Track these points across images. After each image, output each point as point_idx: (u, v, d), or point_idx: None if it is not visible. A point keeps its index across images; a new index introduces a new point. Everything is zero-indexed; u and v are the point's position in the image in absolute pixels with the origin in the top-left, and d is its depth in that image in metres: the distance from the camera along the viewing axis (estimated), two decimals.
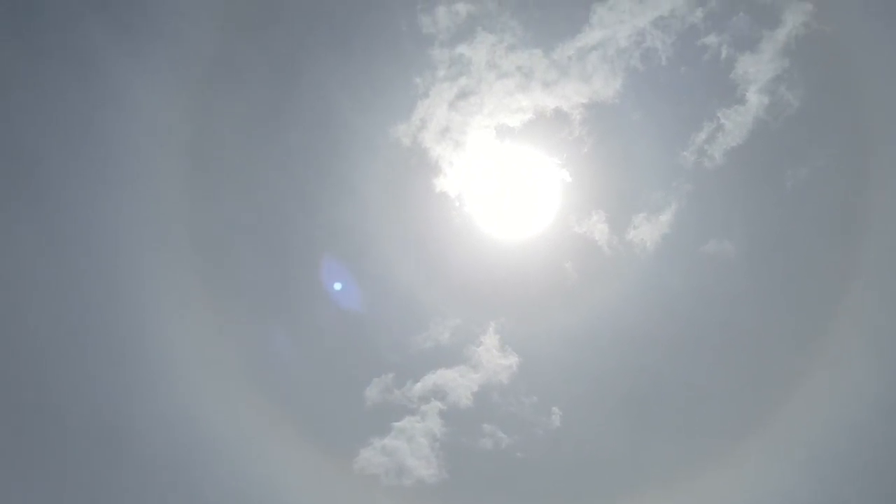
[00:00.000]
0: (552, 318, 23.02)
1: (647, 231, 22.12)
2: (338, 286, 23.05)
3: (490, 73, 22.57)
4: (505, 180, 23.51)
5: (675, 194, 21.99)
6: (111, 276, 22.25)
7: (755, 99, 21.17)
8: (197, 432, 21.19)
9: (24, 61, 21.95)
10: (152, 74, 22.28)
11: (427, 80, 22.62)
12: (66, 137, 22.57)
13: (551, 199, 23.15)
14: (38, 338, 21.39)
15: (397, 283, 23.56)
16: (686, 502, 20.83)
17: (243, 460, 21.30)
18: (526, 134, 22.78)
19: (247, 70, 22.61)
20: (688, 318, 22.48)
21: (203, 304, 22.95)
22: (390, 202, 23.51)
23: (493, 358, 22.39)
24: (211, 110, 22.64)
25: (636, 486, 21.12)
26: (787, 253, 22.53)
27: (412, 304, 23.40)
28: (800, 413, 20.96)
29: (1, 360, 20.87)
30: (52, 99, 22.40)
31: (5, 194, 21.68)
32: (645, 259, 22.47)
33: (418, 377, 22.19)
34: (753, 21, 20.83)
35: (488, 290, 23.67)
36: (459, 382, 22.28)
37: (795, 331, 22.11)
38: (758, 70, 21.01)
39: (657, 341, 22.46)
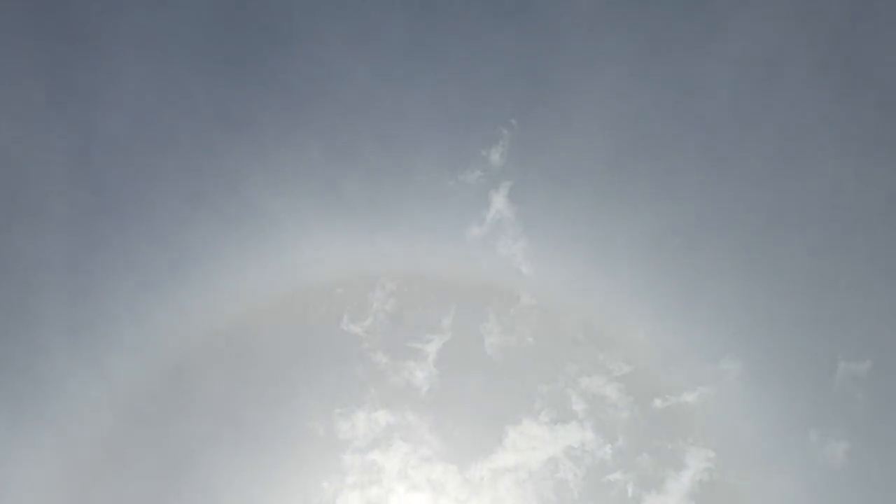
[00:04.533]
0: None
1: None
2: None
3: (401, 485, 22.02)
4: None
5: None
6: None
7: None
8: None
9: None
10: (33, 453, 20.60)
11: (335, 485, 21.78)
12: None
13: None
14: None
15: None
16: None
17: None
18: None
19: (135, 458, 21.28)
20: None
21: None
22: None
23: None
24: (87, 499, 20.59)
25: None
26: None
27: None
28: None
29: None
30: None
31: None
32: None
33: None
34: (658, 462, 21.77)
35: None
36: None
37: None
38: None
39: None
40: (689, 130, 24.17)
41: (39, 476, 20.44)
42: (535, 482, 21.73)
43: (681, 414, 21.95)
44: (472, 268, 23.00)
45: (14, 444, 20.28)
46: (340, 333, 22.89)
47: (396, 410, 22.47)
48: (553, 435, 22.17)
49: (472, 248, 22.84)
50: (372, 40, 23.73)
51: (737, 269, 22.93)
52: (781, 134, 23.51)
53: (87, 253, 21.80)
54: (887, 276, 21.74)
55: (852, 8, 22.81)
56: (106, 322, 21.19)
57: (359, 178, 23.29)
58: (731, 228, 23.49)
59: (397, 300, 23.31)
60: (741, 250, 23.33)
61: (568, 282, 22.93)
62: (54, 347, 20.81)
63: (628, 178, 23.95)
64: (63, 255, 21.45)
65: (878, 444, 20.60)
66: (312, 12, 23.59)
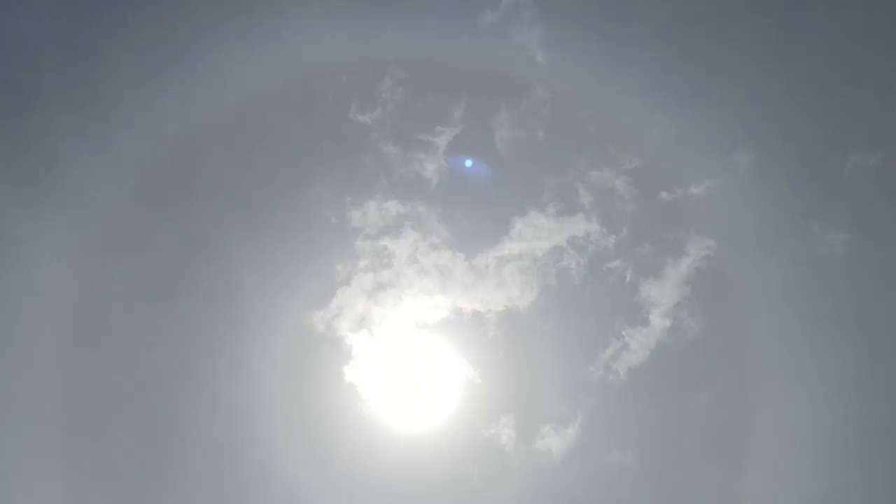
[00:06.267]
0: None
1: (555, 442, 22.10)
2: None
3: (410, 269, 22.94)
4: (416, 375, 23.22)
5: (582, 407, 22.33)
6: None
7: (658, 322, 22.40)
8: None
9: None
10: (49, 230, 21.18)
11: (348, 268, 22.67)
12: None
13: (461, 399, 22.94)
14: None
15: (284, 471, 21.99)
16: None
17: None
18: (441, 332, 22.95)
19: (151, 235, 21.83)
20: None
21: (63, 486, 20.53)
22: (291, 387, 22.48)
23: None
24: (105, 273, 21.55)
25: None
26: (681, 469, 22.91)
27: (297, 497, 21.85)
28: None
29: None
30: None
31: None
32: (551, 469, 22.27)
33: None
34: (658, 251, 22.51)
35: (386, 487, 22.56)
36: None
37: None
38: (661, 295, 22.43)
39: None
40: None
41: (55, 252, 21.15)
42: (538, 268, 22.65)
43: (686, 206, 22.31)
44: (485, 56, 22.13)
45: (28, 220, 20.74)
46: (348, 123, 22.57)
47: (406, 201, 22.82)
48: (558, 226, 22.70)
49: (484, 34, 21.81)
50: None
51: (753, 60, 22.15)
52: None
53: (82, 32, 20.85)
54: None
55: None
56: (109, 103, 20.77)
57: None
58: (748, 18, 22.34)
59: (406, 90, 22.71)
60: (757, 40, 22.36)
61: (583, 72, 22.17)
62: (60, 127, 20.59)
63: None
64: (59, 33, 20.50)
65: (877, 236, 21.19)
66: None
